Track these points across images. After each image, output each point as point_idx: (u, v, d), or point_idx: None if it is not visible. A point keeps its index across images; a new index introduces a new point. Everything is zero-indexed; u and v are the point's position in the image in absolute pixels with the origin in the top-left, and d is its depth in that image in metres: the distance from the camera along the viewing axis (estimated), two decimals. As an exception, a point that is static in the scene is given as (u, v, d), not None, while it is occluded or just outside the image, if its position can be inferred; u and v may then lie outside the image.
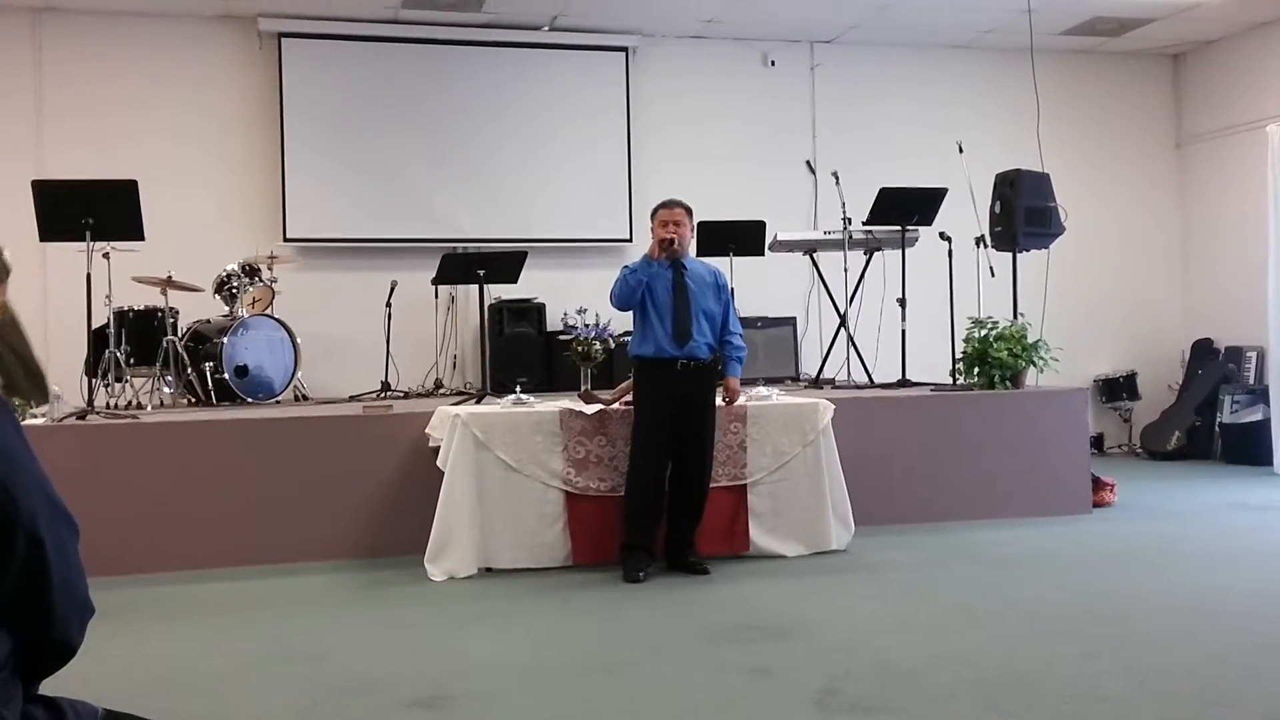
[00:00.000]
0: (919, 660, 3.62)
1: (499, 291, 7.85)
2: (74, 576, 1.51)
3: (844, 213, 7.47)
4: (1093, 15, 8.58)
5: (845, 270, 7.39)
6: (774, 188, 8.91)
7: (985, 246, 7.23)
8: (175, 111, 8.03)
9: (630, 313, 5.21)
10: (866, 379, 7.33)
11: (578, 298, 7.07)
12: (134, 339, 6.58)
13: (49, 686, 1.60)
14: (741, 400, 5.60)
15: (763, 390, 5.85)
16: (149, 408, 6.39)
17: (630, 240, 8.47)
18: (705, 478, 5.17)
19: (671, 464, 5.10)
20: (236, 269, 7.12)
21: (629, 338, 5.41)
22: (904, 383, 7.01)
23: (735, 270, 7.49)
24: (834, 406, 5.66)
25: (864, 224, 7.29)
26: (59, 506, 1.49)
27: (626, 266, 5.19)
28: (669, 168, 8.76)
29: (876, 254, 7.52)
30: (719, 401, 5.27)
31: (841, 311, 7.50)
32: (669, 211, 5.14)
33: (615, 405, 5.37)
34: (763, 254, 7.59)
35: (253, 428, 5.57)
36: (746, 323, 8.19)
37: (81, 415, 5.59)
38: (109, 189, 5.83)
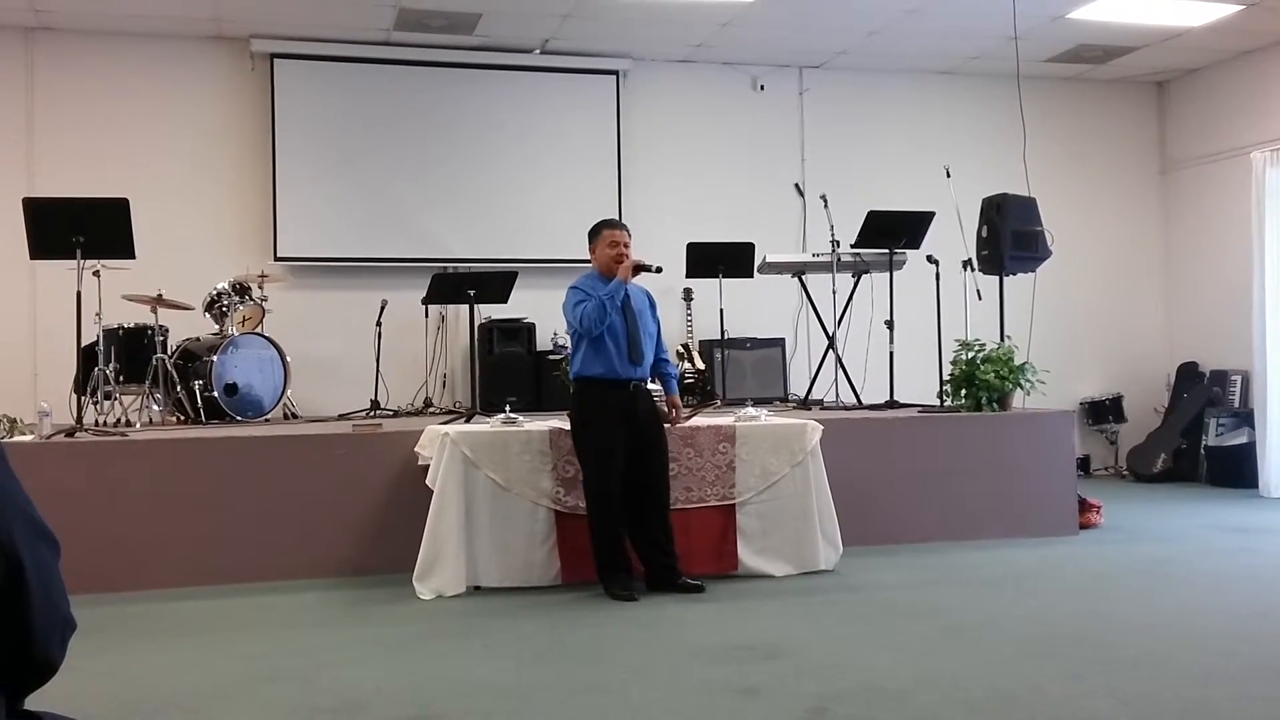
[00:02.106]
0: (906, 681, 3.63)
1: (489, 311, 7.86)
2: (55, 595, 1.51)
3: (832, 235, 7.52)
4: (1078, 43, 8.68)
5: (834, 292, 7.43)
6: (763, 210, 8.96)
7: (972, 270, 7.29)
8: (167, 131, 8.05)
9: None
10: (854, 400, 7.36)
11: (567, 318, 7.11)
12: (123, 357, 6.58)
13: (34, 703, 1.61)
14: (729, 420, 5.63)
15: (751, 411, 5.86)
16: (138, 425, 6.39)
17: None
18: (669, 497, 5.18)
19: (633, 489, 5.05)
20: (227, 287, 7.12)
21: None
22: (892, 404, 7.04)
23: (724, 291, 7.54)
24: (822, 427, 5.68)
25: (852, 246, 7.34)
26: (39, 525, 1.49)
27: (576, 288, 5.09)
28: (659, 190, 8.83)
29: (864, 276, 7.57)
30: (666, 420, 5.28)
31: (830, 333, 7.54)
32: (618, 232, 5.15)
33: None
34: (752, 275, 7.64)
35: (242, 446, 5.57)
36: (736, 343, 8.30)
37: (70, 433, 5.59)
38: (100, 207, 5.84)
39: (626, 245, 5.12)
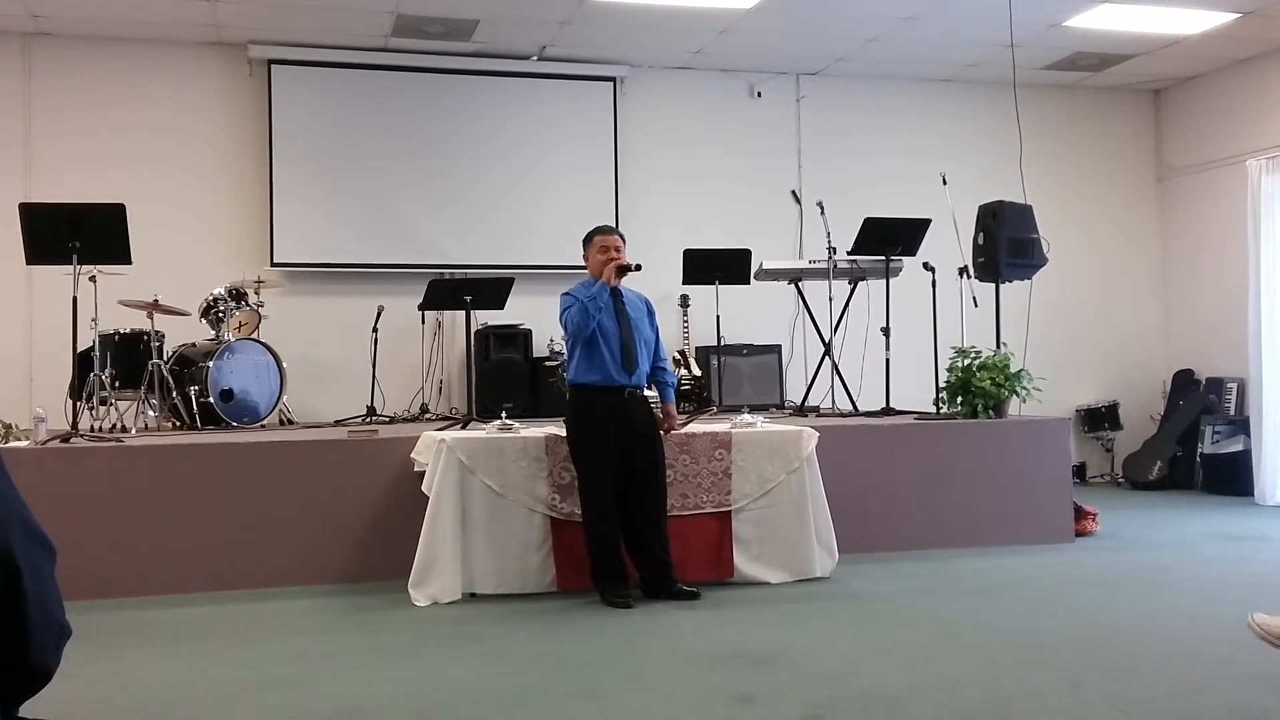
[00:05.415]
0: (902, 689, 3.63)
1: (485, 317, 7.87)
2: (50, 601, 1.51)
3: (829, 242, 7.54)
4: (1074, 51, 8.70)
5: (830, 299, 7.44)
6: (760, 217, 8.98)
7: (968, 277, 7.30)
8: (164, 136, 8.05)
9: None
10: (851, 407, 7.36)
11: (564, 324, 7.10)
12: (119, 362, 6.56)
13: (29, 709, 1.61)
14: (725, 427, 5.63)
15: (747, 417, 5.86)
16: (133, 431, 6.38)
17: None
18: (664, 503, 5.15)
19: (627, 495, 5.04)
20: (223, 293, 7.11)
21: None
22: (888, 411, 7.04)
23: (721, 298, 7.55)
24: (818, 434, 5.68)
25: (849, 253, 7.35)
26: (35, 531, 1.49)
27: (568, 294, 5.11)
28: (656, 196, 8.84)
29: (861, 283, 7.58)
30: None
31: (826, 340, 7.55)
32: (610, 238, 5.15)
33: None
34: (748, 282, 7.64)
35: (237, 452, 5.56)
36: (732, 350, 8.30)
37: (65, 438, 5.58)
38: (97, 212, 5.83)
39: (618, 250, 5.11)
